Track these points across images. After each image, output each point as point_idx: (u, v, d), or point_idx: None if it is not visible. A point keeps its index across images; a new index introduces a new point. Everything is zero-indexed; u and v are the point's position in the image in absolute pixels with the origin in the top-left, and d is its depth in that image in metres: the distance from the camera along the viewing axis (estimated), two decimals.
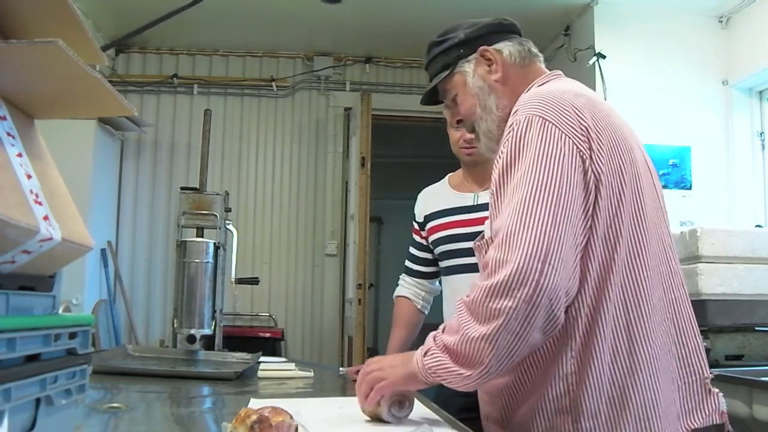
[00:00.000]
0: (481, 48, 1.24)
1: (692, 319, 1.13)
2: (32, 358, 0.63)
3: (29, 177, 0.65)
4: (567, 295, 0.97)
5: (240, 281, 2.27)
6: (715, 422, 1.09)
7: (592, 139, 1.03)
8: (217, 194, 2.17)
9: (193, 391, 1.51)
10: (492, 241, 1.01)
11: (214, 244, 2.07)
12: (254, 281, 2.44)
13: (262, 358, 2.01)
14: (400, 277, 2.10)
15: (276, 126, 4.83)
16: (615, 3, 3.83)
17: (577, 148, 1.01)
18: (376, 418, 1.11)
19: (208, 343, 2.05)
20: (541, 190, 0.97)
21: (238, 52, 4.79)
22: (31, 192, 0.64)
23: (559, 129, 1.01)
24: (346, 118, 4.84)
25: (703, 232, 2.45)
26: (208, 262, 2.04)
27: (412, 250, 2.07)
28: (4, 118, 0.66)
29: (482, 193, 1.89)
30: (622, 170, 1.05)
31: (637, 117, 3.53)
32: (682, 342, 1.10)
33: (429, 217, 1.98)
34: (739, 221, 3.69)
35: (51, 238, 0.63)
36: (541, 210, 0.95)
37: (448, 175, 2.06)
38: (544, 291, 0.92)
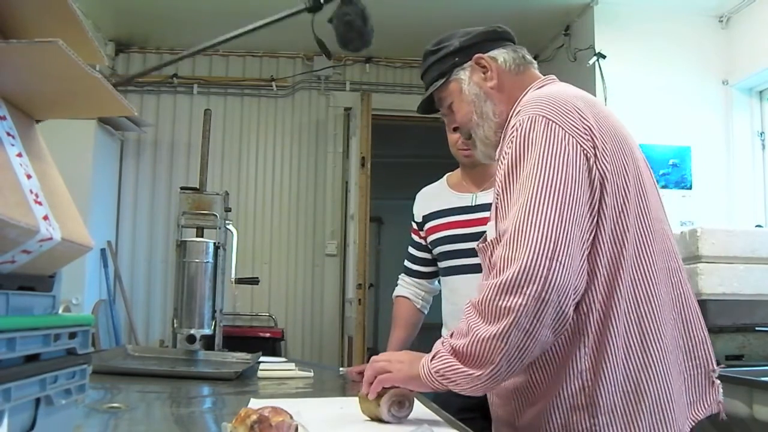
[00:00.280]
0: (476, 56, 1.25)
1: (698, 313, 1.16)
2: (32, 358, 0.62)
3: (29, 177, 0.65)
4: (575, 292, 0.97)
5: (240, 281, 2.26)
6: (714, 412, 1.12)
7: (595, 137, 1.04)
8: (217, 194, 2.17)
9: (193, 391, 1.51)
10: (497, 242, 1.02)
11: (214, 244, 2.07)
12: (254, 281, 2.44)
13: (262, 358, 2.01)
14: (400, 277, 2.11)
15: (276, 126, 4.83)
16: (615, 3, 3.82)
17: (581, 147, 1.02)
18: (376, 419, 1.11)
19: (208, 343, 2.05)
20: (547, 189, 0.98)
21: (238, 52, 4.78)
22: (31, 192, 0.64)
23: (563, 128, 1.02)
24: (346, 118, 4.84)
25: (703, 232, 2.45)
26: (208, 262, 2.04)
27: (411, 250, 2.08)
28: (4, 118, 0.66)
29: (481, 194, 1.89)
30: (625, 169, 1.06)
31: (637, 117, 3.55)
32: (689, 335, 1.13)
33: (428, 218, 1.98)
34: (739, 221, 3.69)
35: (51, 238, 0.63)
36: (547, 208, 0.97)
37: (446, 174, 2.07)
38: (553, 287, 0.93)
